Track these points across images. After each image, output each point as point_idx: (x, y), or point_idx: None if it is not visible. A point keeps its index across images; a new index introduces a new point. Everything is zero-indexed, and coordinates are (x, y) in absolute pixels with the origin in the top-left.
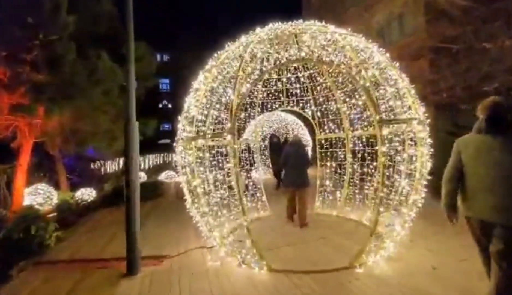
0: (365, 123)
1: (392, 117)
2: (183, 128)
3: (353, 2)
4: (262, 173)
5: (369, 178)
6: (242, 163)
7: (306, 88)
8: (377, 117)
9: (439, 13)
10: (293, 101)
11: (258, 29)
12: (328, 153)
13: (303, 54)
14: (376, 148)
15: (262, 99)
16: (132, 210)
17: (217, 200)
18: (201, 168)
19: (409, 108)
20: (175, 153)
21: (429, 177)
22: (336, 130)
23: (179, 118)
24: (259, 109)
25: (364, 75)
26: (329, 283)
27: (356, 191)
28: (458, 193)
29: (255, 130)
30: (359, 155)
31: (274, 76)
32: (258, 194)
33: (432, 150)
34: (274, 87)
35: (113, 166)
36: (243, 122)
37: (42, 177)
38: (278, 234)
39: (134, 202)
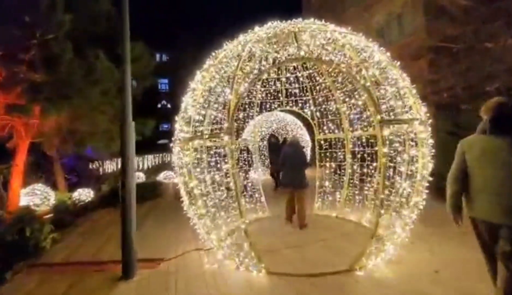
0: (365, 124)
1: (393, 117)
2: (180, 128)
3: (353, 2)
4: (261, 174)
5: (369, 179)
6: (240, 163)
7: (305, 88)
8: (378, 117)
9: (438, 12)
10: (292, 101)
11: (256, 28)
12: (328, 154)
13: (302, 53)
14: (376, 148)
15: (261, 99)
16: (128, 212)
17: (215, 201)
18: (198, 170)
19: (410, 108)
20: (173, 153)
21: (430, 178)
22: (336, 131)
23: (176, 118)
24: (257, 109)
25: (365, 75)
26: (328, 287)
27: (356, 192)
28: (462, 194)
29: (253, 130)
30: (359, 156)
31: (273, 75)
32: (256, 195)
33: (433, 151)
34: (273, 87)
35: (111, 166)
36: (241, 122)
37: (39, 177)
38: (277, 235)
39: (130, 203)
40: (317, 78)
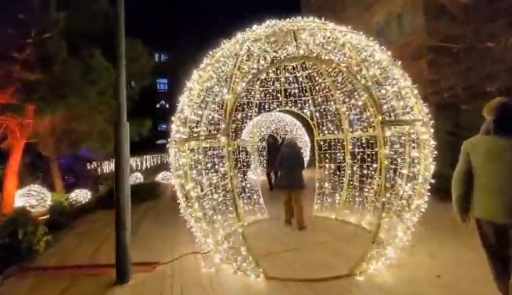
0: (365, 124)
1: (394, 118)
2: (176, 129)
3: (353, 2)
4: (259, 175)
5: (369, 180)
6: (239, 164)
7: (304, 88)
8: (379, 118)
9: (438, 12)
10: (292, 101)
11: (254, 26)
12: (327, 155)
13: (301, 52)
14: (376, 149)
15: (260, 99)
16: (122, 214)
17: (212, 204)
18: (195, 171)
19: (412, 108)
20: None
21: (432, 181)
22: (335, 131)
23: (172, 118)
24: (256, 110)
25: (366, 74)
26: (328, 292)
27: (356, 193)
28: (468, 195)
29: (252, 131)
30: (359, 157)
31: (272, 75)
32: (255, 197)
33: (435, 152)
34: (272, 87)
35: (109, 166)
36: (240, 122)
37: (36, 178)
38: (275, 238)
39: (124, 205)
40: (317, 78)
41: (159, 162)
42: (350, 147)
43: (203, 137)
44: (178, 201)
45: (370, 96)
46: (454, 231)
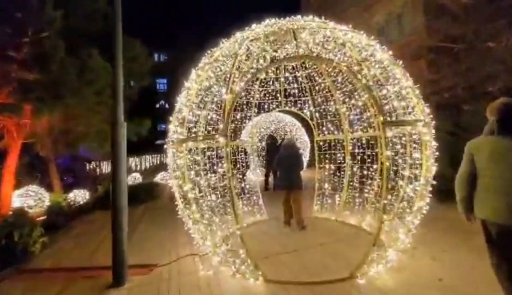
0: (365, 125)
1: (395, 118)
2: (174, 129)
3: (353, 2)
4: (259, 175)
5: (369, 181)
6: (238, 165)
7: (304, 88)
8: (381, 118)
9: (438, 11)
10: (291, 101)
11: (254, 26)
12: (327, 155)
13: (301, 51)
14: (377, 150)
15: (259, 99)
16: (119, 216)
17: (211, 205)
18: (192, 172)
19: (413, 108)
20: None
21: (434, 182)
22: (335, 132)
23: (170, 118)
24: (255, 110)
25: (367, 74)
26: None
27: (356, 194)
28: (472, 195)
29: (251, 131)
30: (359, 158)
31: (272, 75)
32: (254, 198)
33: (437, 153)
34: (272, 87)
35: (108, 167)
36: (239, 123)
37: (35, 178)
38: (275, 239)
39: (121, 207)
40: (316, 78)
41: (158, 162)
42: (350, 147)
43: (201, 138)
44: (176, 202)
45: (371, 96)
46: (455, 233)
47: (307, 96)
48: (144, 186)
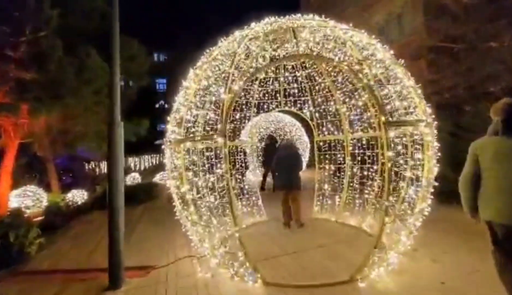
0: (365, 125)
1: (396, 118)
2: (171, 129)
3: (352, 2)
4: (258, 176)
5: (369, 182)
6: (237, 165)
7: (304, 88)
8: (383, 119)
9: (438, 11)
10: (291, 101)
11: (253, 24)
12: (327, 156)
13: (301, 50)
14: (377, 151)
15: (259, 99)
16: (115, 217)
17: (209, 206)
18: (190, 173)
19: (415, 108)
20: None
21: (436, 183)
22: (335, 132)
23: (168, 118)
24: (255, 110)
25: (368, 73)
26: None
27: (356, 195)
28: (477, 196)
29: (251, 131)
30: (359, 158)
31: (271, 75)
32: (253, 198)
33: (439, 154)
34: (271, 87)
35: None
36: (238, 123)
37: (33, 178)
38: (274, 241)
39: (118, 208)
40: (316, 78)
41: (157, 162)
42: (350, 148)
43: (199, 138)
44: (174, 203)
45: (372, 95)
46: (456, 234)
47: (307, 96)
48: (143, 186)
